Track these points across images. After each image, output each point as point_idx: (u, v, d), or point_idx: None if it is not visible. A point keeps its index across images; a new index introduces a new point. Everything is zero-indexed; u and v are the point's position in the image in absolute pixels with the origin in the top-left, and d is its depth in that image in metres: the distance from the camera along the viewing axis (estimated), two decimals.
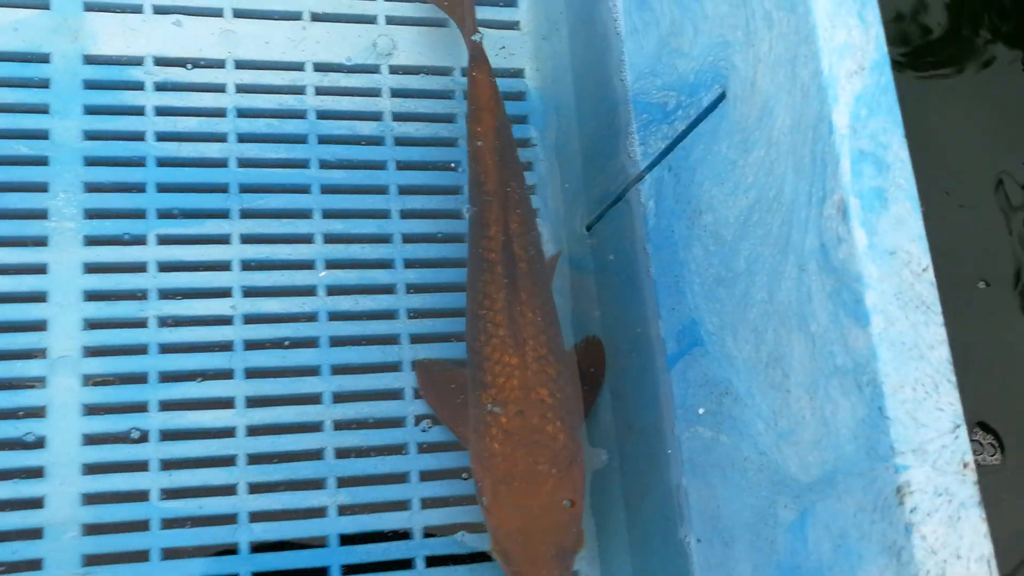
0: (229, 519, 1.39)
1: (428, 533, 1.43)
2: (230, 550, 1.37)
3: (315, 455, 1.44)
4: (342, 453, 1.44)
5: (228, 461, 1.41)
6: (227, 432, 1.41)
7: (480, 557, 1.42)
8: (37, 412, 1.36)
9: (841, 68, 0.99)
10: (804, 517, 1.02)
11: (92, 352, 1.40)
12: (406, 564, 1.42)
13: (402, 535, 1.43)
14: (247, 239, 1.48)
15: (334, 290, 1.50)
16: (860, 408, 0.93)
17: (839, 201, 0.95)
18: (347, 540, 1.41)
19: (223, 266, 1.47)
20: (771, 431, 1.07)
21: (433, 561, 1.42)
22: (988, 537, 0.88)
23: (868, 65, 1.00)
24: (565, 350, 1.35)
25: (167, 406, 1.40)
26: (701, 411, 1.21)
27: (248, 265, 1.48)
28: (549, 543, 1.22)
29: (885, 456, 0.90)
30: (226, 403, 1.42)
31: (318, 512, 1.41)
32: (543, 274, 1.37)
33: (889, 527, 0.89)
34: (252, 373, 1.44)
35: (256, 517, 1.39)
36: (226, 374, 1.43)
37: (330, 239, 1.51)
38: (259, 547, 1.38)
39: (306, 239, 1.51)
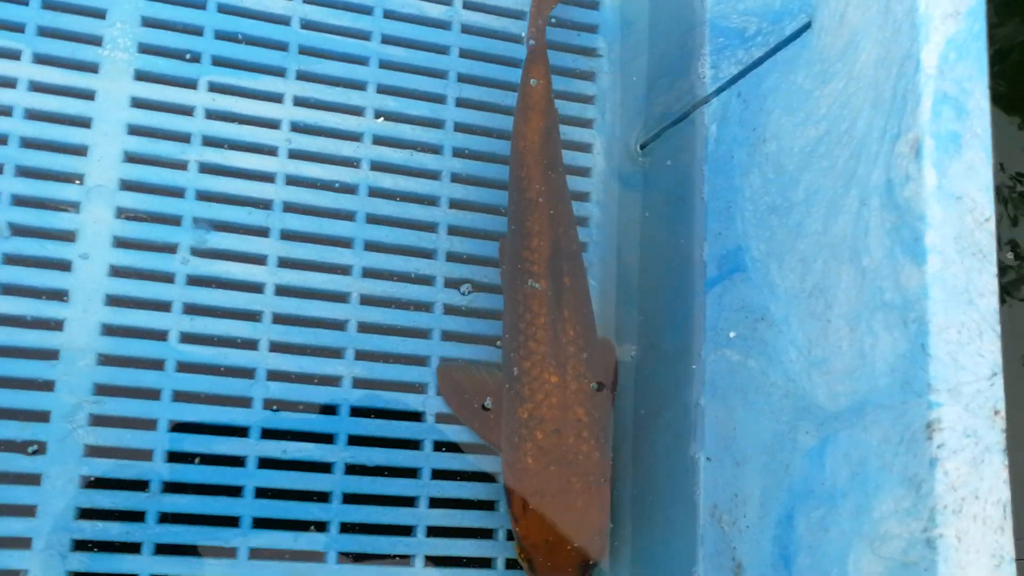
0: (247, 373, 1.40)
1: (439, 418, 1.45)
2: (244, 402, 1.39)
3: (339, 325, 1.45)
4: (364, 327, 1.45)
5: (253, 316, 1.41)
6: (256, 287, 1.42)
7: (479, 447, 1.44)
8: (67, 236, 1.37)
9: (937, 8, 0.98)
10: (824, 444, 1.04)
11: (129, 186, 1.40)
12: (414, 444, 1.44)
13: (413, 416, 1.45)
14: (299, 102, 1.48)
15: (377, 166, 1.49)
16: (902, 343, 0.94)
17: (914, 140, 0.96)
18: (356, 412, 1.43)
19: (272, 124, 1.46)
20: (803, 359, 1.08)
21: (440, 446, 1.44)
22: (1007, 484, 0.91)
23: (964, 10, 0.99)
24: (600, 365, 1.35)
25: (198, 252, 1.41)
26: (732, 335, 1.22)
27: (296, 127, 1.47)
28: (575, 556, 1.26)
29: (920, 392, 0.91)
30: (258, 259, 1.43)
31: (333, 380, 1.43)
32: (586, 289, 1.36)
33: (912, 459, 0.91)
34: (287, 235, 1.44)
35: (273, 376, 1.41)
36: (262, 231, 1.44)
37: (380, 114, 1.50)
38: (272, 403, 1.40)
39: (357, 111, 1.50)
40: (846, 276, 1.03)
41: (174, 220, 1.41)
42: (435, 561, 1.41)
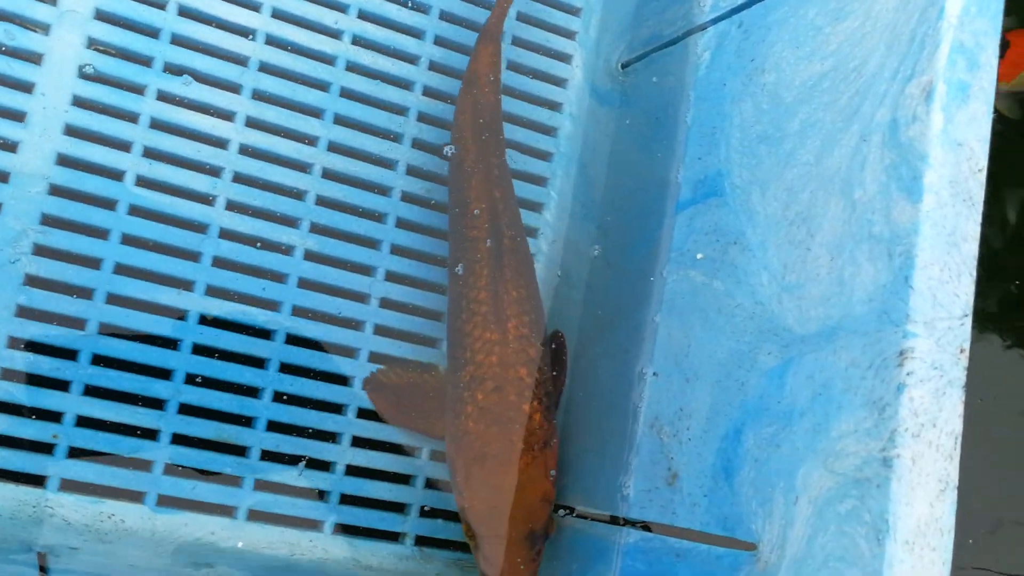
0: (200, 228, 1.36)
1: (384, 304, 1.44)
2: (192, 256, 1.35)
3: (298, 195, 1.41)
4: (322, 201, 1.42)
5: (213, 172, 1.37)
6: (219, 143, 1.37)
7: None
8: (33, 58, 1.29)
9: None
10: (787, 365, 1.08)
11: (103, 17, 1.32)
12: (357, 325, 1.42)
13: (360, 298, 1.43)
14: None
15: (359, 41, 1.46)
16: (885, 275, 0.99)
17: (927, 83, 0.99)
18: (304, 284, 1.40)
19: None
20: (775, 283, 1.12)
21: (381, 330, 1.43)
22: (961, 418, 0.96)
23: None
24: (545, 333, 1.35)
25: (164, 97, 1.35)
26: (699, 256, 1.25)
27: None
28: (520, 525, 1.23)
29: (898, 322, 0.96)
30: (226, 116, 1.38)
31: (286, 249, 1.40)
32: (527, 253, 1.36)
33: (880, 384, 0.96)
34: (259, 96, 1.40)
35: (225, 235, 1.37)
36: (233, 87, 1.38)
37: None
38: (221, 263, 1.36)
39: None
40: (834, 207, 1.07)
41: (145, 61, 1.34)
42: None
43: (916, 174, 0.98)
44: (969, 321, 0.98)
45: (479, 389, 1.25)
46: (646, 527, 1.27)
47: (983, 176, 1.00)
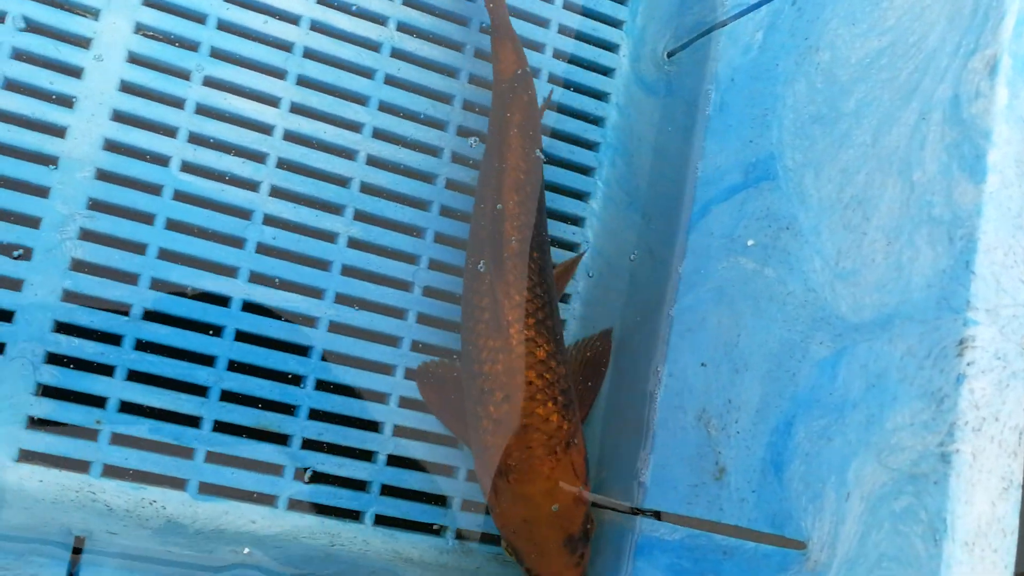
0: (244, 213, 1.35)
1: (426, 292, 1.42)
2: (236, 243, 1.34)
3: (343, 182, 1.40)
4: (367, 189, 1.41)
5: (258, 157, 1.36)
6: (264, 128, 1.36)
7: None
8: (82, 42, 1.29)
9: None
10: (840, 355, 1.03)
11: (151, 3, 1.32)
12: (400, 313, 1.40)
13: (401, 285, 1.41)
14: None
15: (403, 27, 1.44)
16: (944, 259, 0.93)
17: (991, 57, 0.94)
18: (348, 271, 1.39)
19: None
20: (828, 269, 1.07)
21: (424, 319, 1.41)
22: None
23: None
24: (561, 331, 1.30)
25: (210, 83, 1.34)
26: (751, 243, 1.21)
27: None
28: (555, 532, 1.18)
29: (958, 309, 0.91)
30: (271, 101, 1.37)
31: (329, 236, 1.38)
32: (544, 256, 1.29)
33: (938, 375, 0.91)
34: (303, 81, 1.39)
35: (270, 221, 1.36)
36: (279, 73, 1.37)
37: None
38: (265, 249, 1.35)
39: None
40: (892, 189, 1.02)
41: (191, 46, 1.34)
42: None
43: (979, 152, 0.93)
44: None
45: (490, 402, 1.21)
46: (656, 515, 1.24)
47: None
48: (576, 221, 1.49)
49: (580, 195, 1.51)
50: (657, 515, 1.27)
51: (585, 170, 1.51)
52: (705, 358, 1.24)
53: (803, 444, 1.05)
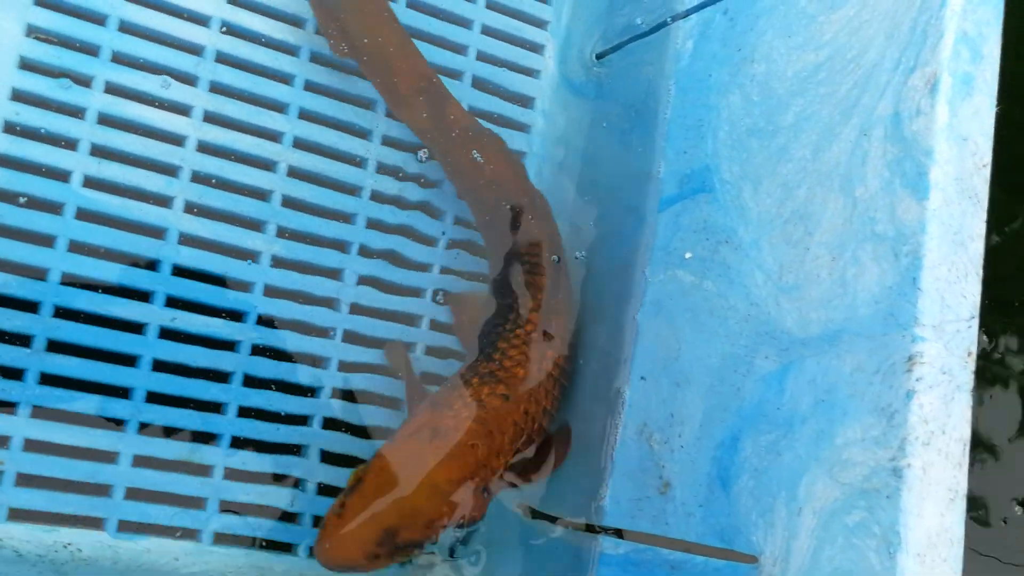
0: (157, 232, 1.27)
1: (354, 310, 1.37)
2: (150, 264, 1.27)
3: (261, 195, 1.33)
4: (288, 203, 1.35)
5: (170, 171, 1.28)
6: (176, 140, 1.29)
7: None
8: None
9: None
10: (787, 370, 1.03)
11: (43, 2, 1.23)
12: (325, 333, 1.35)
13: (329, 303, 1.36)
14: None
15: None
16: (891, 276, 0.94)
17: (931, 75, 0.95)
18: (270, 292, 1.33)
19: None
20: (771, 284, 1.07)
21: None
22: (969, 423, 0.93)
23: None
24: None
25: (112, 90, 1.26)
26: (688, 255, 1.20)
27: None
28: (391, 516, 1.11)
29: (906, 325, 0.92)
30: (183, 110, 1.29)
31: (250, 255, 1.32)
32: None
33: (888, 390, 0.92)
34: (216, 88, 1.31)
35: (185, 240, 1.28)
36: (189, 79, 1.30)
37: None
38: (180, 272, 1.28)
39: None
40: (833, 204, 1.02)
41: (91, 51, 1.25)
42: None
43: (921, 170, 0.94)
44: (976, 323, 0.94)
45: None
46: (618, 533, 1.22)
47: (987, 172, 0.96)
48: None
49: None
50: (619, 533, 1.26)
51: None
52: (644, 372, 1.24)
53: (751, 459, 1.05)
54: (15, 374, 1.18)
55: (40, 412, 1.19)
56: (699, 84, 1.26)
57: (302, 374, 1.33)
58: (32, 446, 1.19)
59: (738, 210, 1.14)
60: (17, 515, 1.18)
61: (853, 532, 0.92)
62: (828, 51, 1.07)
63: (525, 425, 1.21)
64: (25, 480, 1.18)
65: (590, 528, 1.27)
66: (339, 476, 1.33)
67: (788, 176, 1.08)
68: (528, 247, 1.29)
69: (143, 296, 1.25)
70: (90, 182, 1.24)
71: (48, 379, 1.20)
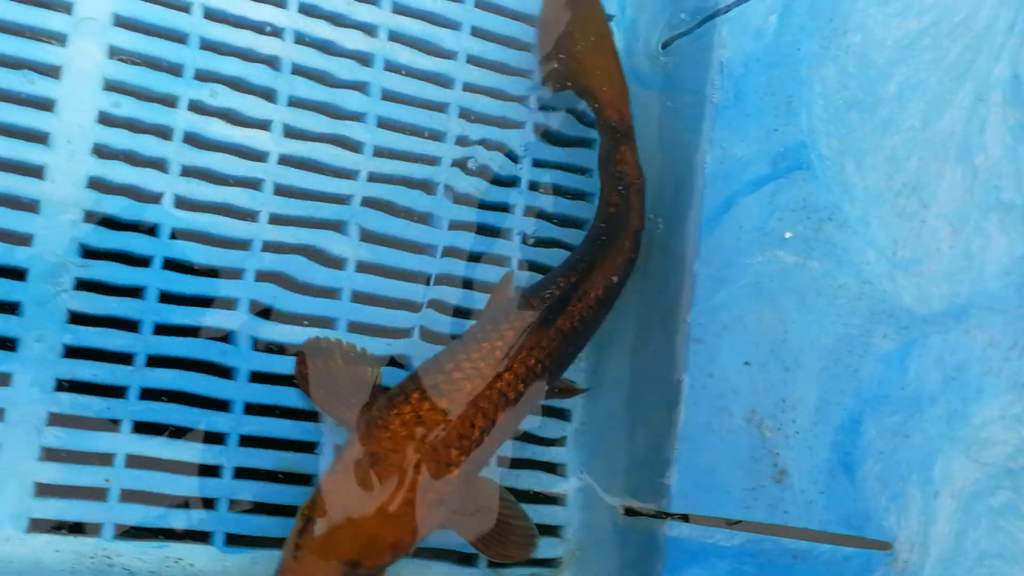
0: (241, 244, 1.26)
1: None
2: (235, 274, 1.26)
3: (342, 199, 1.32)
4: (368, 202, 1.33)
5: (253, 184, 1.27)
6: (258, 156, 1.28)
7: None
8: (51, 72, 1.19)
9: None
10: (909, 348, 1.00)
11: (123, 23, 1.22)
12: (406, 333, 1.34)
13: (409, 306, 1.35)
14: None
15: (395, 36, 1.36)
16: (1022, 245, 0.91)
17: None
18: (358, 298, 1.32)
19: None
20: (885, 260, 1.04)
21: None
22: None
23: None
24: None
25: (195, 107, 1.25)
26: (788, 235, 1.17)
27: None
28: (353, 538, 1.08)
29: None
30: (261, 125, 1.28)
31: (336, 263, 1.31)
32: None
33: None
34: (294, 102, 1.30)
35: (269, 247, 1.27)
36: (268, 94, 1.29)
37: None
38: (265, 276, 1.27)
39: None
40: (950, 175, 0.99)
41: (175, 70, 1.24)
42: None
43: None
44: None
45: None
46: (684, 518, 1.21)
47: None
48: (578, 225, 1.44)
49: (580, 195, 1.46)
50: (685, 518, 1.24)
51: (582, 171, 1.46)
52: (748, 357, 1.21)
53: (875, 442, 1.02)
54: (118, 392, 1.18)
55: (142, 427, 1.19)
56: (787, 59, 1.22)
57: (387, 376, 1.32)
58: (135, 462, 1.19)
59: (841, 186, 1.11)
60: (125, 532, 1.18)
61: (999, 514, 0.88)
62: (931, 16, 1.03)
63: (472, 432, 1.14)
64: (130, 496, 1.18)
65: (685, 518, 1.25)
66: None
67: (895, 148, 1.05)
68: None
69: (228, 304, 1.25)
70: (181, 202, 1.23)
71: (148, 394, 1.19)
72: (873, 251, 1.04)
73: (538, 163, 1.44)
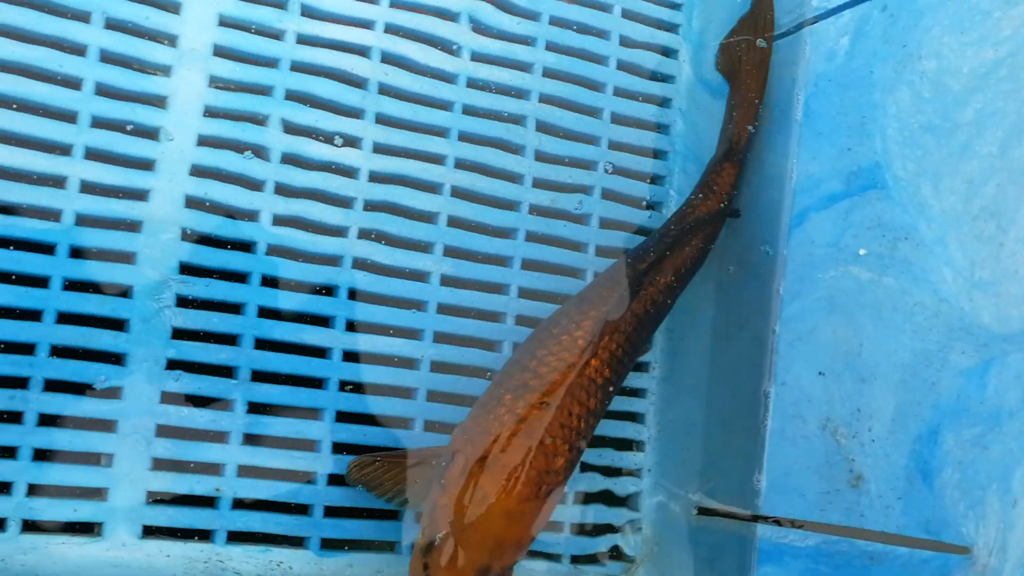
0: (332, 261, 1.32)
1: (518, 320, 1.41)
2: (328, 290, 1.31)
3: (429, 218, 1.38)
4: (454, 222, 1.39)
5: (344, 203, 1.33)
6: (348, 172, 1.33)
7: None
8: (157, 102, 1.24)
9: None
10: (988, 365, 1.06)
11: (222, 52, 1.28)
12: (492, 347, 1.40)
13: (492, 316, 1.40)
14: None
15: (477, 56, 1.41)
16: None
17: None
18: (443, 309, 1.37)
19: None
20: (962, 280, 1.09)
21: None
22: None
23: None
24: None
25: (290, 129, 1.30)
26: (862, 252, 1.22)
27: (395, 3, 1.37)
28: (480, 553, 1.12)
29: None
30: (352, 142, 1.34)
31: (421, 276, 1.36)
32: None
33: None
34: (381, 120, 1.35)
35: (358, 264, 1.33)
36: (356, 113, 1.34)
37: None
38: (355, 293, 1.33)
39: None
40: None
41: (264, 91, 1.30)
42: None
43: None
44: None
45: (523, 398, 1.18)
46: (777, 522, 1.26)
47: None
48: (647, 233, 1.50)
49: (654, 205, 1.51)
50: (778, 522, 1.29)
51: (655, 179, 1.52)
52: (823, 367, 1.26)
53: (954, 452, 1.08)
54: (223, 404, 1.24)
55: (249, 439, 1.25)
56: (860, 81, 1.27)
57: (475, 386, 1.38)
58: (243, 471, 1.25)
59: (917, 207, 1.16)
60: (235, 537, 1.24)
61: None
62: (1009, 47, 1.08)
63: (571, 421, 1.18)
64: (238, 504, 1.25)
65: (756, 518, 1.30)
66: None
67: (973, 173, 1.10)
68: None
69: (324, 321, 1.31)
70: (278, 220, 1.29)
71: (253, 407, 1.26)
72: (950, 271, 1.09)
73: None
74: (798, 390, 1.30)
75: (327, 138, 1.32)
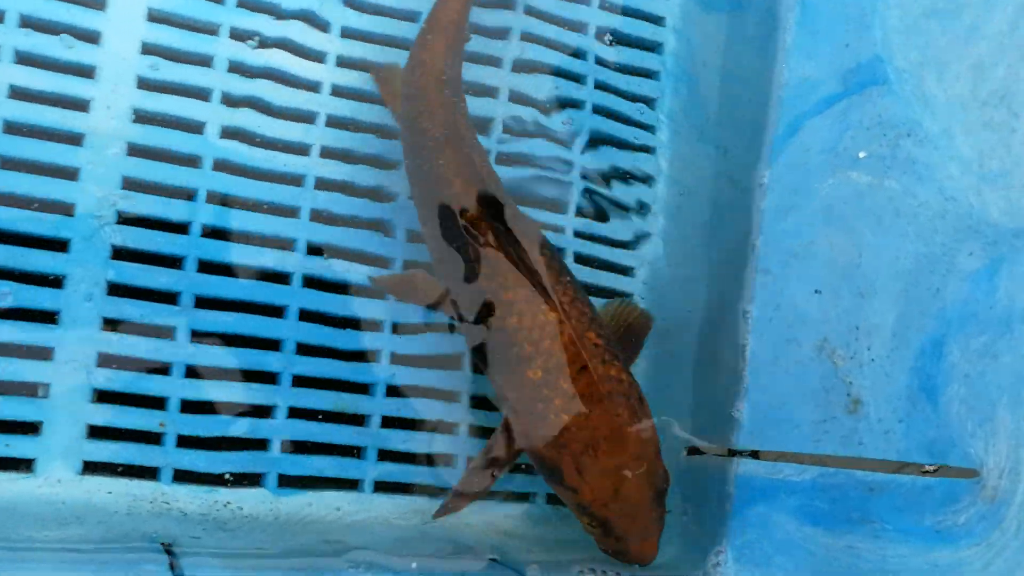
0: (295, 181, 1.23)
1: None
2: (291, 212, 1.22)
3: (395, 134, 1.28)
4: None
5: (308, 118, 1.24)
6: (312, 87, 1.24)
7: None
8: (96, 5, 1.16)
9: None
10: (997, 265, 0.95)
11: None
12: None
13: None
14: None
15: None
16: None
17: None
18: (412, 237, 1.28)
19: None
20: (970, 174, 0.99)
21: None
22: None
23: None
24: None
25: (234, 67, 1.21)
26: (862, 155, 1.12)
27: None
28: (647, 491, 1.10)
29: None
30: (317, 57, 1.24)
31: (390, 197, 1.27)
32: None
33: None
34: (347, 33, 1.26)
35: (321, 184, 1.24)
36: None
37: None
38: (319, 214, 1.24)
39: None
40: None
41: None
42: None
43: None
44: None
45: (561, 378, 1.09)
46: (755, 455, 1.16)
47: None
48: (648, 150, 1.39)
49: (646, 127, 1.40)
50: (755, 454, 1.19)
51: (646, 101, 1.41)
52: (819, 285, 1.16)
53: (960, 364, 0.97)
54: (166, 332, 1.15)
55: (193, 372, 1.16)
56: None
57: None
58: (188, 407, 1.16)
59: (920, 99, 1.05)
60: (181, 476, 1.15)
61: None
62: None
63: (592, 338, 1.11)
64: (185, 441, 1.16)
65: (732, 453, 1.21)
66: (491, 419, 1.28)
67: (981, 56, 0.99)
68: None
69: (287, 244, 1.21)
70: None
71: (199, 334, 1.17)
72: (957, 165, 0.98)
73: None
74: (792, 311, 1.19)
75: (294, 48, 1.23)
